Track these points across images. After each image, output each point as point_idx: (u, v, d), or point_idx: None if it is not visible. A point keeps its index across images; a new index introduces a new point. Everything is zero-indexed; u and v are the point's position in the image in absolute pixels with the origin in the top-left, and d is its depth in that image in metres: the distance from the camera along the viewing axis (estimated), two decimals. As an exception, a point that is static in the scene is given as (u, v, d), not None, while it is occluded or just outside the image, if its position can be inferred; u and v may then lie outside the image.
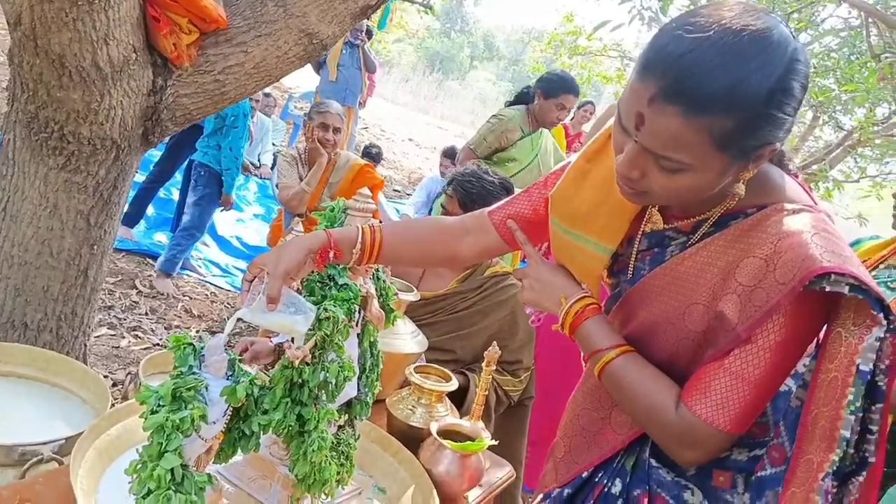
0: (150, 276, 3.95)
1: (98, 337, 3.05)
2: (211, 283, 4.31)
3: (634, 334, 1.14)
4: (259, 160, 7.40)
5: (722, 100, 0.87)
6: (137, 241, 4.47)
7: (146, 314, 3.45)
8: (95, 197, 1.99)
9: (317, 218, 1.32)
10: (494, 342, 1.56)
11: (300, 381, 1.17)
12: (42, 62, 1.70)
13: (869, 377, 0.88)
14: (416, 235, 1.35)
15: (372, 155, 7.30)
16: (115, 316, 3.29)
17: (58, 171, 1.90)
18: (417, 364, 1.71)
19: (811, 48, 7.26)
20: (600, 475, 1.18)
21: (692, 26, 0.90)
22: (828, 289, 0.90)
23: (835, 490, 0.90)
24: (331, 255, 1.21)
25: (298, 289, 1.23)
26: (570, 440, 1.23)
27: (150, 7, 1.84)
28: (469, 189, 2.32)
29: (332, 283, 1.23)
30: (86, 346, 2.21)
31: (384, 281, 1.37)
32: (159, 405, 1.05)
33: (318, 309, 1.17)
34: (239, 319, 1.12)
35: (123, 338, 3.10)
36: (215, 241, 5.12)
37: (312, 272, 1.23)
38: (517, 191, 1.45)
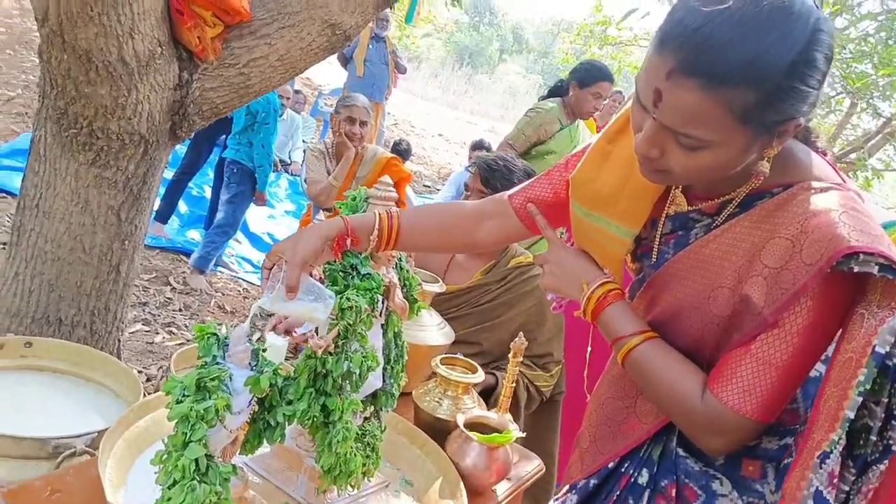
0: (183, 273, 4.00)
1: (132, 333, 3.09)
2: (243, 280, 4.35)
3: (658, 319, 1.10)
4: (290, 157, 7.45)
5: (742, 72, 0.84)
6: (171, 238, 4.53)
7: (180, 310, 3.50)
8: (125, 192, 2.01)
9: (339, 208, 1.30)
10: (521, 333, 1.54)
11: (324, 371, 1.16)
12: (69, 58, 1.72)
13: (882, 359, 0.83)
14: (434, 221, 1.32)
15: (401, 150, 7.30)
16: (149, 312, 3.34)
17: (88, 167, 1.92)
18: (444, 356, 1.69)
19: (847, 32, 7.07)
20: (626, 465, 1.15)
21: None
22: (856, 269, 0.86)
23: (850, 475, 0.86)
24: (348, 242, 1.20)
25: (320, 276, 1.22)
26: (594, 430, 1.20)
27: (173, 1, 1.85)
28: (491, 165, 2.31)
29: (354, 273, 1.22)
30: (119, 340, 2.24)
31: (408, 271, 1.36)
32: (184, 395, 1.05)
33: (341, 298, 1.16)
34: (260, 308, 1.11)
35: (157, 334, 3.14)
36: (247, 237, 5.16)
37: (333, 260, 1.21)
38: None
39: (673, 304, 1.08)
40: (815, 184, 0.97)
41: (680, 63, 0.86)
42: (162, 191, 4.51)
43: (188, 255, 4.32)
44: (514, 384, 1.55)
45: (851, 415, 0.85)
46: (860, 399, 0.85)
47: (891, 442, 0.86)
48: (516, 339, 1.54)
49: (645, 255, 1.16)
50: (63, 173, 1.93)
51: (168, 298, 3.59)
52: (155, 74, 1.85)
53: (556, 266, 1.19)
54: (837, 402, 0.87)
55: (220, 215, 4.22)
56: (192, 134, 2.51)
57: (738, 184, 1.02)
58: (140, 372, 2.79)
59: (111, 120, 1.84)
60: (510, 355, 1.54)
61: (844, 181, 1.01)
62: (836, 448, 0.85)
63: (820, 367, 1.01)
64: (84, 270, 2.01)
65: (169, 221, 4.75)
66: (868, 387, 0.85)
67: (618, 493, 1.14)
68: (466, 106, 20.72)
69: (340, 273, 1.22)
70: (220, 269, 4.39)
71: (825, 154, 1.06)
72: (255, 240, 5.20)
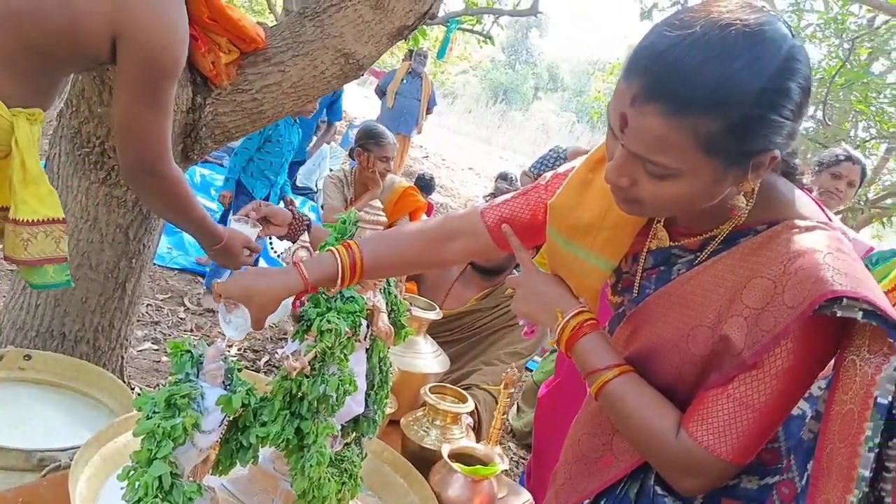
0: (198, 293, 4.03)
1: (141, 351, 3.12)
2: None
3: (637, 355, 1.06)
4: (317, 186, 7.53)
5: (706, 98, 0.82)
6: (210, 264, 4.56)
7: (191, 331, 3.52)
8: (135, 211, 2.04)
9: (329, 230, 1.29)
10: (513, 364, 1.51)
11: (299, 393, 1.14)
12: (83, 78, 1.76)
13: (888, 410, 0.80)
14: (397, 247, 1.28)
15: (424, 183, 7.34)
16: (160, 331, 3.37)
17: (99, 185, 1.95)
18: (433, 384, 1.67)
19: (885, 76, 6.98)
20: (602, 503, 1.11)
21: (679, 22, 0.84)
22: (839, 314, 0.83)
23: None
24: (305, 299, 1.19)
25: (302, 300, 1.21)
26: (570, 467, 1.16)
27: (189, 27, 1.89)
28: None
29: (337, 295, 1.21)
30: (122, 358, 2.25)
31: (396, 296, 1.35)
32: (154, 411, 1.05)
33: (321, 320, 1.15)
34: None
35: (166, 353, 3.16)
36: (267, 262, 5.20)
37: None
38: None
39: (652, 341, 1.05)
40: (799, 222, 0.93)
41: (643, 88, 0.84)
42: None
43: (204, 276, 4.37)
44: (504, 415, 1.52)
45: (867, 473, 0.80)
46: (871, 455, 0.80)
47: (883, 494, 0.82)
48: (508, 369, 1.52)
49: (626, 290, 1.13)
50: (74, 191, 1.96)
51: (181, 318, 3.62)
52: (167, 97, 1.89)
53: (530, 291, 1.15)
54: (848, 459, 0.82)
55: None
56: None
57: (721, 220, 0.99)
58: (142, 390, 2.80)
59: (122, 139, 1.87)
60: (501, 386, 1.52)
61: (830, 220, 0.97)
62: None
63: (803, 405, 0.97)
64: (90, 287, 2.03)
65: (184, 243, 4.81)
66: (877, 441, 0.80)
67: None
68: (499, 141, 20.83)
69: (323, 295, 1.22)
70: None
71: (811, 191, 1.02)
72: (275, 264, 5.24)
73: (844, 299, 0.82)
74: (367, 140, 3.51)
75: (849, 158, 3.17)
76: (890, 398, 0.80)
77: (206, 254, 1.77)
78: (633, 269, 1.12)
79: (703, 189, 0.90)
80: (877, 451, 0.81)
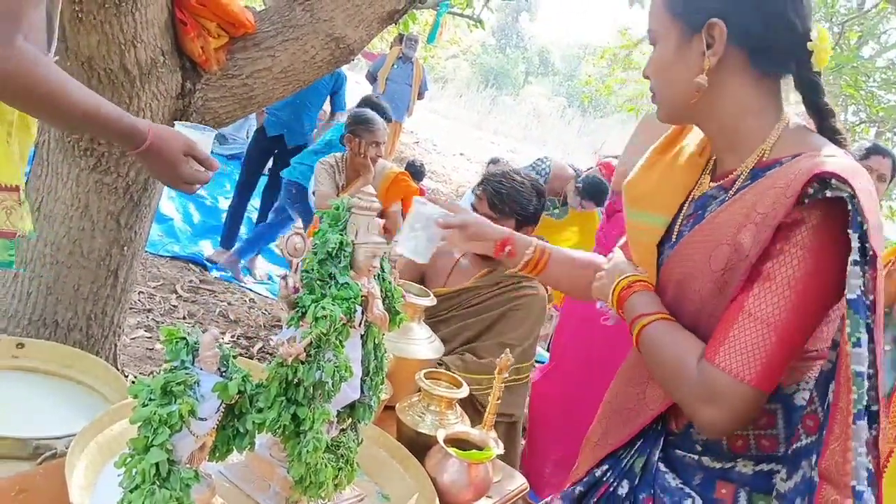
0: (191, 281, 4.03)
1: (133, 339, 3.11)
2: (251, 290, 4.37)
3: (671, 298, 1.12)
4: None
5: None
6: (239, 267, 4.58)
7: (184, 318, 3.52)
8: (126, 198, 2.03)
9: (320, 217, 1.30)
10: (507, 349, 1.52)
11: (295, 379, 1.15)
12: (72, 64, 1.74)
13: (859, 303, 0.86)
14: (571, 266, 1.45)
15: (414, 170, 7.31)
16: (153, 319, 3.36)
17: (89, 172, 1.94)
18: (428, 370, 1.67)
19: (874, 59, 7.01)
20: (608, 474, 1.15)
21: None
22: (829, 194, 0.91)
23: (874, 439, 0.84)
24: (507, 248, 1.43)
25: (296, 286, 1.21)
26: (606, 422, 1.22)
27: (178, 11, 1.87)
28: (498, 188, 2.29)
29: (332, 282, 1.21)
30: (115, 345, 2.25)
31: (390, 282, 1.35)
32: (150, 399, 1.05)
33: (316, 307, 1.15)
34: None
35: (158, 341, 3.16)
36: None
37: (310, 269, 1.21)
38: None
39: (682, 278, 1.10)
40: (824, 150, 1.00)
41: None
42: (223, 217, 4.70)
43: (197, 263, 4.37)
44: (498, 400, 1.53)
45: (861, 368, 0.85)
46: (857, 351, 0.86)
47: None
48: (503, 354, 1.53)
49: (667, 240, 1.19)
50: (65, 178, 1.95)
51: (173, 306, 3.61)
52: (157, 83, 1.87)
53: (604, 273, 1.26)
54: (844, 361, 0.87)
55: (263, 228, 4.55)
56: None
57: (747, 155, 1.08)
58: (137, 377, 2.80)
59: (112, 126, 1.86)
60: (495, 371, 1.53)
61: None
62: (860, 406, 0.85)
63: (805, 394, 0.99)
64: (82, 274, 2.02)
65: (184, 233, 4.81)
66: (859, 335, 0.86)
67: (595, 500, 1.14)
68: (490, 126, 20.75)
69: (318, 282, 1.22)
70: (231, 277, 4.41)
71: (845, 142, 1.08)
72: (266, 251, 5.22)
73: (834, 180, 0.90)
74: (358, 125, 3.48)
75: (877, 151, 2.96)
76: (858, 292, 0.86)
77: (131, 156, 1.45)
78: (676, 220, 1.19)
79: (673, 54, 1.09)
80: (862, 347, 0.85)
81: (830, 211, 0.93)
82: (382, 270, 1.34)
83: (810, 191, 0.92)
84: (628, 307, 1.14)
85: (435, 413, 1.58)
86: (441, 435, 1.45)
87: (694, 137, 1.24)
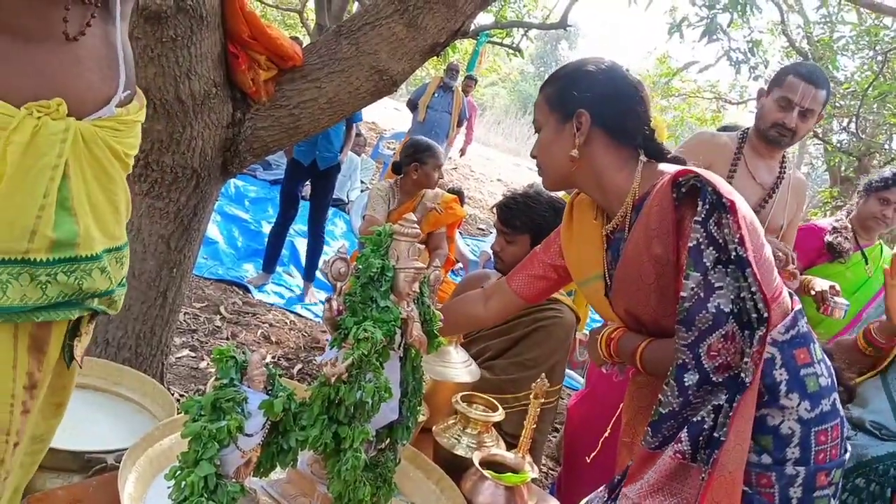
0: (234, 302, 4.12)
1: (179, 358, 3.20)
2: (291, 311, 4.45)
3: (632, 324, 1.40)
4: (347, 197, 7.62)
5: (549, 82, 1.47)
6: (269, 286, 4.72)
7: (227, 339, 3.60)
8: (176, 222, 2.11)
9: (364, 242, 1.36)
10: (543, 374, 1.54)
11: (337, 399, 1.19)
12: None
13: (699, 251, 1.17)
14: (452, 312, 1.72)
15: (454, 194, 7.38)
16: (197, 339, 3.45)
17: (142, 197, 2.03)
18: (465, 393, 1.70)
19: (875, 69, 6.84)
20: None
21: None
22: (684, 189, 1.22)
23: None
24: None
25: (340, 308, 1.26)
26: (631, 421, 1.46)
27: (230, 44, 1.96)
28: (510, 202, 2.34)
29: (373, 305, 1.26)
30: (163, 364, 2.32)
31: (429, 306, 1.39)
32: (200, 414, 1.10)
33: (357, 328, 1.20)
34: None
35: (203, 360, 3.24)
36: (299, 270, 5.28)
37: (354, 291, 1.26)
38: None
39: (628, 305, 1.38)
40: (670, 168, 1.33)
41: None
42: (264, 242, 4.84)
43: (240, 286, 4.47)
44: (534, 425, 1.55)
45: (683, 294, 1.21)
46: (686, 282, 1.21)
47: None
48: (538, 379, 1.55)
49: (608, 289, 1.45)
50: (119, 202, 2.04)
51: (217, 327, 3.71)
52: (209, 113, 1.96)
53: (587, 345, 1.55)
54: None
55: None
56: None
57: (623, 198, 1.38)
58: (182, 395, 2.88)
59: (166, 154, 1.95)
60: (531, 396, 1.55)
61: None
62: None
63: None
64: (133, 295, 2.10)
65: (227, 255, 4.92)
66: (691, 271, 1.21)
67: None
68: (528, 153, 20.80)
69: (360, 305, 1.26)
70: (271, 299, 4.51)
71: (684, 162, 1.40)
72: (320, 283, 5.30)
73: (681, 178, 1.23)
74: (422, 153, 3.63)
75: None
76: (696, 241, 1.17)
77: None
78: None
79: (552, 136, 1.43)
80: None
81: (696, 200, 1.20)
82: (422, 294, 1.38)
83: (675, 195, 1.23)
84: (621, 350, 1.41)
85: (471, 436, 1.61)
86: (477, 457, 1.47)
87: (584, 210, 1.52)
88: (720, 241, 1.17)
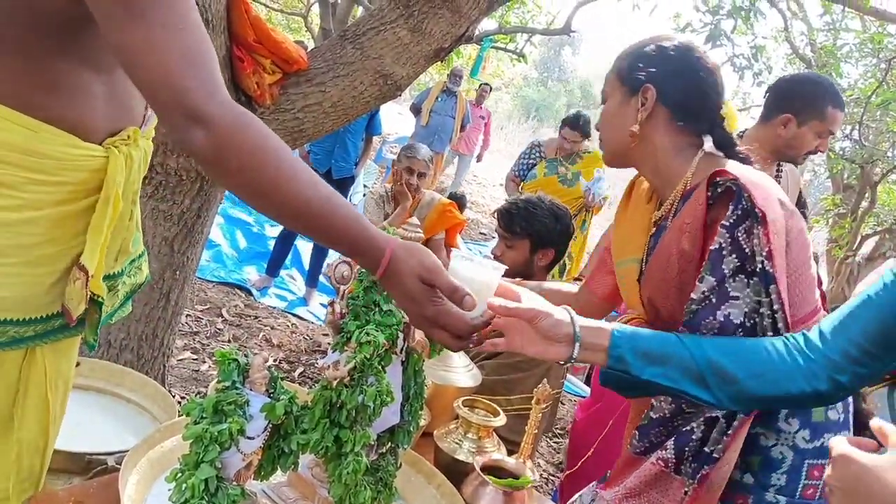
0: (236, 305, 4.13)
1: (181, 360, 3.20)
2: (293, 314, 4.45)
3: (651, 315, 1.37)
4: (350, 200, 7.63)
5: (621, 58, 1.42)
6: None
7: (228, 341, 3.61)
8: (180, 225, 2.11)
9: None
10: (545, 380, 1.54)
11: (338, 402, 1.19)
12: (135, 98, 1.84)
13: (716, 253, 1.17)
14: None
15: (457, 200, 7.37)
16: (199, 342, 3.46)
17: (146, 200, 2.03)
18: (465, 398, 1.70)
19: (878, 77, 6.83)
20: None
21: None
22: (720, 190, 1.20)
23: None
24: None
25: (342, 312, 1.26)
26: (636, 420, 1.38)
27: (235, 49, 1.97)
28: (509, 207, 2.34)
29: (376, 309, 1.26)
30: (164, 366, 2.32)
31: (431, 310, 1.39)
32: (202, 417, 1.10)
33: (360, 332, 1.20)
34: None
35: (204, 363, 3.25)
36: (301, 273, 5.29)
37: (357, 295, 1.26)
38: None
39: (651, 294, 1.35)
40: (726, 166, 1.27)
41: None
42: (269, 245, 4.87)
43: (242, 288, 4.48)
44: (536, 431, 1.55)
45: (695, 296, 1.24)
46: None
47: None
48: (540, 385, 1.55)
49: (641, 274, 1.42)
50: (123, 204, 2.04)
51: (218, 329, 3.71)
52: (213, 115, 1.96)
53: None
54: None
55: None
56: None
57: (675, 185, 1.34)
58: (183, 397, 2.88)
59: (170, 157, 1.96)
60: (533, 402, 1.55)
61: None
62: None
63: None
64: (135, 297, 2.10)
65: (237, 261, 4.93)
66: (706, 274, 1.23)
67: None
68: (530, 158, 20.80)
69: (362, 308, 1.26)
70: (270, 301, 4.51)
71: (750, 161, 1.35)
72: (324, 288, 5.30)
73: (719, 178, 1.20)
74: (401, 153, 3.66)
75: None
76: (718, 245, 1.17)
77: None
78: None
79: (616, 109, 1.39)
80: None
81: (728, 203, 1.18)
82: (424, 299, 1.38)
83: (709, 193, 1.22)
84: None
85: (472, 441, 1.61)
86: (478, 462, 1.47)
87: (641, 192, 1.50)
88: (747, 250, 1.14)
